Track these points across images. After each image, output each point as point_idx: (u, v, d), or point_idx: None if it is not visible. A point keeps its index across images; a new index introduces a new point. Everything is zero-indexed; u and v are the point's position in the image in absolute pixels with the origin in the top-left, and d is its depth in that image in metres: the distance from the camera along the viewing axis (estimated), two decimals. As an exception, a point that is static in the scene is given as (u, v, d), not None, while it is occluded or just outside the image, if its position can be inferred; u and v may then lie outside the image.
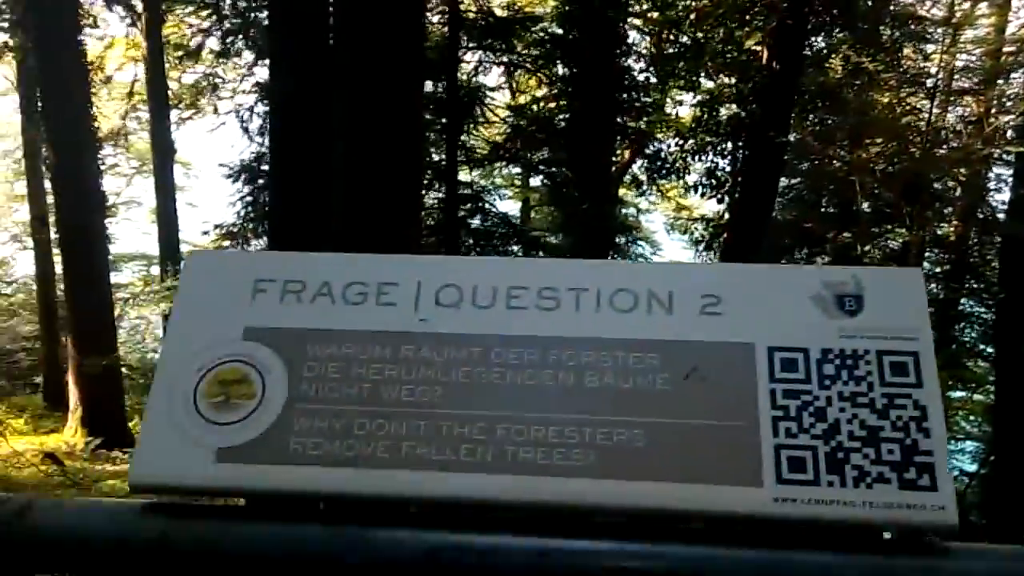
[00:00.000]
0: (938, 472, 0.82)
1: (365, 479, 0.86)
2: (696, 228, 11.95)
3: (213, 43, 13.08)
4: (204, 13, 12.93)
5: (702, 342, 0.91)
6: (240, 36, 11.65)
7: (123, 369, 12.88)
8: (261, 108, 11.11)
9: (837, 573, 0.81)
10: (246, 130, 10.94)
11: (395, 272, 0.98)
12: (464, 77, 10.36)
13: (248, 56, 12.20)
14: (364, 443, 0.87)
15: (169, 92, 16.04)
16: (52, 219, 12.03)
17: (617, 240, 11.28)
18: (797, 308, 0.92)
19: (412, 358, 0.92)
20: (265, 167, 10.55)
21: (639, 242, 14.17)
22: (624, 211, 17.03)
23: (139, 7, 13.30)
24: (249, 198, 10.93)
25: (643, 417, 0.87)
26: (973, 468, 13.82)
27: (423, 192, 8.07)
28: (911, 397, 0.86)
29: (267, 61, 8.78)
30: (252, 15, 11.25)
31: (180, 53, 14.90)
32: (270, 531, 0.86)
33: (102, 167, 13.37)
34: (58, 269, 12.02)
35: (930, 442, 0.83)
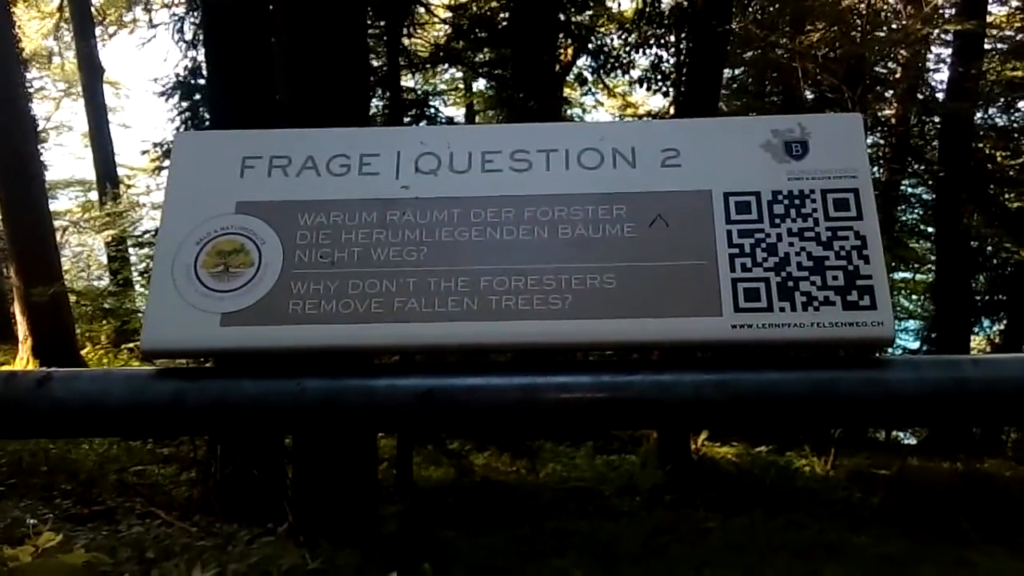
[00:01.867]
0: (877, 293, 0.92)
1: (362, 333, 0.93)
2: (642, 124, 11.94)
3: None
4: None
5: (664, 192, 0.99)
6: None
7: (71, 297, 12.70)
8: (191, 19, 10.71)
9: (789, 387, 0.92)
10: (181, 40, 10.54)
11: (375, 143, 1.03)
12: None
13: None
14: (359, 301, 0.94)
15: (92, 7, 15.36)
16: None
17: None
18: (749, 156, 1.00)
19: (397, 222, 0.98)
20: (202, 80, 10.24)
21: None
22: (570, 111, 16.91)
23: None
24: (188, 113, 10.62)
25: (613, 262, 0.95)
26: (916, 345, 14.39)
27: (369, 97, 7.96)
28: (852, 229, 0.95)
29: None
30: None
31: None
32: (277, 385, 0.93)
33: (30, 90, 12.88)
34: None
35: (870, 267, 0.93)
